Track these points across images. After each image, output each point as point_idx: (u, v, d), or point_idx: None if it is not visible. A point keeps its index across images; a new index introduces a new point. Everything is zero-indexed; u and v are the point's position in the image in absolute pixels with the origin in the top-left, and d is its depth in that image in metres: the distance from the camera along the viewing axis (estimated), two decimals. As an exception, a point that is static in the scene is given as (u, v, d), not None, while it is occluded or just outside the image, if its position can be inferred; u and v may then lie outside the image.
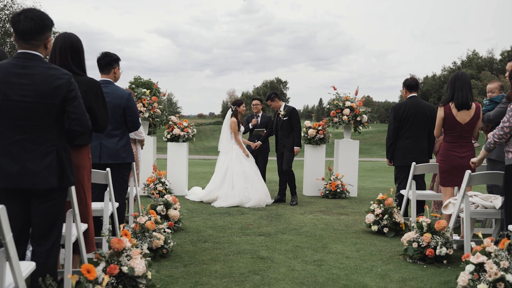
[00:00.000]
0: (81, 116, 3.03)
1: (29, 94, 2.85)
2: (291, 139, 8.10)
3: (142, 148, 6.68)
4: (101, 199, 4.64)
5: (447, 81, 5.27)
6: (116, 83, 4.89)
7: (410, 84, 6.49)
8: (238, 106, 8.40)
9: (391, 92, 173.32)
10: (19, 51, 2.94)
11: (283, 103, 8.31)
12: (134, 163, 5.53)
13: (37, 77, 2.88)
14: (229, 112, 8.50)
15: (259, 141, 8.61)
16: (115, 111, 4.70)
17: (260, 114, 9.26)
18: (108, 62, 4.79)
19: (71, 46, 3.62)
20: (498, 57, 61.99)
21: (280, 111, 8.22)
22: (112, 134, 4.73)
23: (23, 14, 2.90)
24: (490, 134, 4.22)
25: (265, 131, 8.83)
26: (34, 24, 2.90)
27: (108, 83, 4.75)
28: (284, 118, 8.12)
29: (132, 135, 6.10)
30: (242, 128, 8.46)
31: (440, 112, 5.12)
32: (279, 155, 8.35)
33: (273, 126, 8.45)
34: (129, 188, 5.61)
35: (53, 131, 2.96)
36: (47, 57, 3.25)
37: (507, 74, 5.03)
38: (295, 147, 8.10)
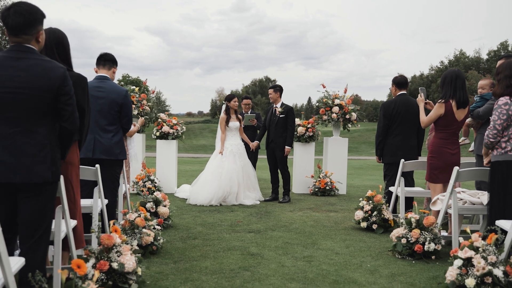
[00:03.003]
0: (72, 115, 3.01)
1: (23, 86, 2.82)
2: (283, 138, 8.10)
3: (132, 135, 6.59)
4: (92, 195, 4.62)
5: (442, 77, 5.16)
6: None
7: (400, 81, 6.54)
8: (229, 101, 8.27)
9: (380, 91, 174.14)
10: (11, 44, 2.92)
11: (281, 101, 8.29)
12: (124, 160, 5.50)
13: (31, 69, 2.85)
14: (223, 108, 8.40)
15: (257, 141, 8.56)
16: (111, 106, 4.70)
17: (249, 112, 9.28)
18: (112, 58, 4.96)
19: (56, 41, 3.58)
20: (485, 56, 62.65)
21: (277, 107, 8.20)
22: (107, 129, 4.72)
23: (12, 8, 2.87)
24: (485, 135, 4.22)
25: (255, 120, 8.85)
26: (24, 18, 2.86)
27: (105, 79, 4.81)
28: (281, 116, 8.10)
29: None
30: (234, 124, 8.27)
31: (441, 109, 5.07)
32: (270, 152, 8.33)
33: (266, 121, 8.38)
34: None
35: (46, 124, 2.93)
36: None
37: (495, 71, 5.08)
38: (286, 147, 8.10)
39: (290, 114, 8.14)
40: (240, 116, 8.46)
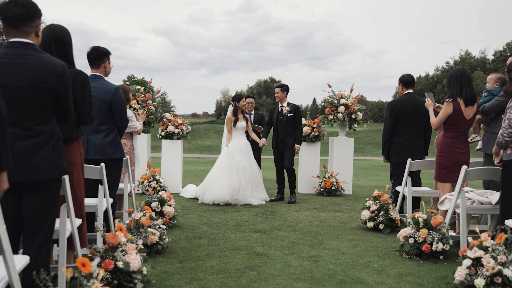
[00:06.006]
0: (67, 109, 3.00)
1: (23, 85, 2.79)
2: (293, 137, 8.06)
3: (140, 133, 6.51)
4: (90, 195, 4.58)
5: (448, 76, 5.13)
6: (107, 78, 4.83)
7: (407, 80, 6.49)
8: (238, 101, 8.24)
9: (385, 92, 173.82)
10: (10, 40, 2.87)
11: (287, 100, 8.27)
12: (128, 158, 5.47)
13: (32, 66, 2.82)
14: (230, 108, 8.38)
15: (264, 138, 8.43)
16: (101, 106, 4.64)
17: (252, 112, 9.25)
18: (98, 56, 4.73)
19: (55, 37, 3.54)
20: (490, 57, 62.37)
21: (283, 106, 8.18)
22: (99, 129, 4.67)
23: (12, 2, 2.83)
24: (499, 134, 4.12)
25: (262, 128, 8.77)
26: (26, 10, 2.83)
27: (96, 78, 4.70)
28: (289, 115, 8.08)
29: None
30: (241, 124, 8.24)
31: (449, 108, 5.01)
32: (279, 152, 8.27)
33: (273, 121, 8.31)
34: (123, 184, 5.55)
35: (48, 121, 2.91)
36: None
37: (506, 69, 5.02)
38: (296, 145, 8.07)
39: (298, 112, 8.14)
40: (247, 116, 8.42)
